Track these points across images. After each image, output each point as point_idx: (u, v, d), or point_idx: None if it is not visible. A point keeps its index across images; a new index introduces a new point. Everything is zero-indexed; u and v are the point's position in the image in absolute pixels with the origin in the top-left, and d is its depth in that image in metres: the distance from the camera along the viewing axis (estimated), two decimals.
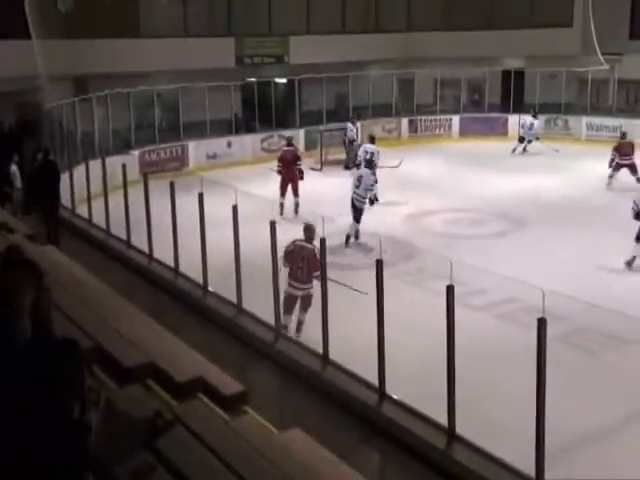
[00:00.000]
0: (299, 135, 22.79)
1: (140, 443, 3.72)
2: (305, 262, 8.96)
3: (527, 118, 22.58)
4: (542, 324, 5.68)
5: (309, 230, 9.06)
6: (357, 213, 13.47)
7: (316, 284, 8.63)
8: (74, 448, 2.65)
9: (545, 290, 5.47)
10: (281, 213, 14.65)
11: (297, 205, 15.59)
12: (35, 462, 2.54)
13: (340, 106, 25.15)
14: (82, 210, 14.66)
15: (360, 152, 17.06)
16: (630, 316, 6.98)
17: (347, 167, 20.67)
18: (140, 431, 3.77)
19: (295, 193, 15.74)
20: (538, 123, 22.65)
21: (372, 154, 16.35)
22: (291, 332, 9.11)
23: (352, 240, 13.39)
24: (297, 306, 9.13)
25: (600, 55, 24.03)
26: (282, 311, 9.03)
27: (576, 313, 8.83)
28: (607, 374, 8.30)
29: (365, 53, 24.61)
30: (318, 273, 8.38)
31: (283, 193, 15.73)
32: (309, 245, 8.94)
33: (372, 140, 17.38)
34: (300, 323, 9.17)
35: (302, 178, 15.98)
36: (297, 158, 16.22)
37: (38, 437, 2.53)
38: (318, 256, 8.36)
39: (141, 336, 6.20)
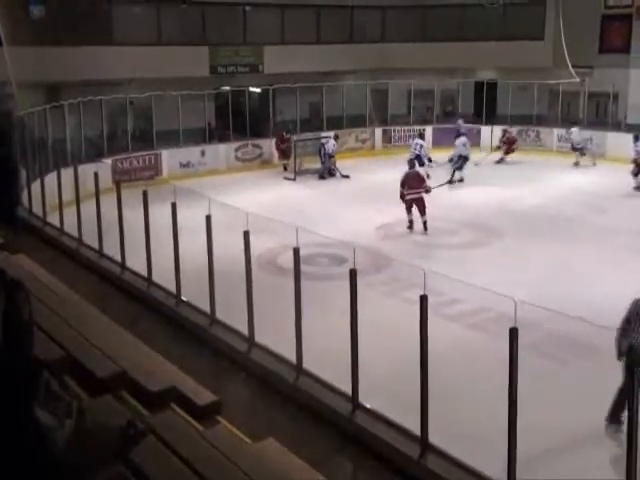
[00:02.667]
0: (272, 145, 22.82)
1: (112, 454, 3.68)
2: (414, 178, 15.27)
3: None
4: (514, 334, 5.74)
5: (410, 162, 16.26)
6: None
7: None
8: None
9: (516, 299, 5.54)
10: (285, 169, 22.26)
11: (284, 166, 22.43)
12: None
13: (314, 116, 25.24)
14: (53, 218, 14.50)
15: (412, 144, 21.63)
16: (600, 325, 7.05)
17: (322, 177, 21.04)
18: (112, 442, 3.73)
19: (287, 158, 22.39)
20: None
21: (421, 146, 21.01)
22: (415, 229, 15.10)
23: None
24: (416, 210, 15.04)
25: (571, 68, 24.42)
26: (406, 212, 15.13)
27: (547, 322, 8.92)
28: (577, 382, 8.39)
29: (339, 63, 24.75)
30: (424, 178, 15.78)
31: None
32: (411, 170, 15.53)
33: (421, 136, 22.03)
34: (425, 222, 14.93)
35: (283, 142, 22.49)
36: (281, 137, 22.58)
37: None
38: (421, 172, 16.17)
39: (113, 346, 6.16)
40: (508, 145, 23.49)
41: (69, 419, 3.03)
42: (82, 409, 3.69)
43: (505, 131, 23.87)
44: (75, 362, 5.44)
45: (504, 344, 5.85)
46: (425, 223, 14.91)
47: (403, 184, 15.09)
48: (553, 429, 7.12)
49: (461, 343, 9.31)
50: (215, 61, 23.35)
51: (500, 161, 23.10)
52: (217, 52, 23.35)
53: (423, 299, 6.40)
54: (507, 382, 5.84)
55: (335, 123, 24.55)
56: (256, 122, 23.27)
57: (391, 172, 20.07)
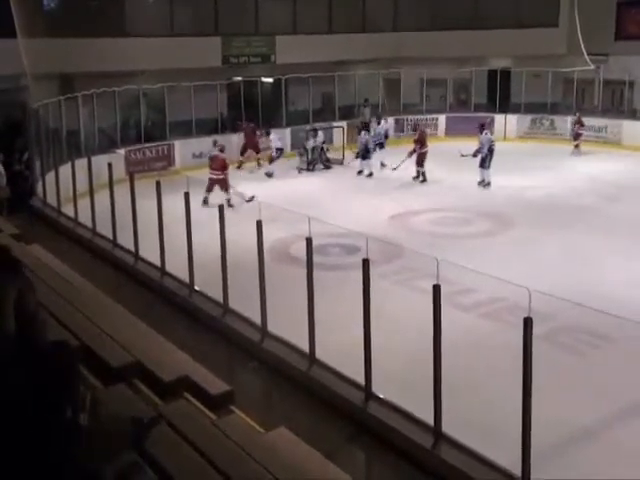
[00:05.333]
0: (285, 134, 22.79)
1: (126, 443, 3.70)
2: (218, 161, 16.44)
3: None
4: (528, 323, 5.72)
5: (221, 146, 16.95)
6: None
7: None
8: (65, 450, 2.63)
9: (531, 289, 5.50)
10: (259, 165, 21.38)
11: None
12: (24, 465, 2.51)
13: (326, 106, 25.17)
14: (68, 209, 14.58)
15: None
16: (614, 315, 7.01)
17: (307, 169, 20.82)
18: (126, 431, 3.75)
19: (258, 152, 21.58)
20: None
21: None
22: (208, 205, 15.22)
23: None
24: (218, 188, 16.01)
25: (586, 55, 24.18)
26: (205, 190, 15.70)
27: (561, 312, 8.89)
28: (592, 372, 8.36)
29: (351, 53, 24.63)
30: (225, 172, 16.35)
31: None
32: (220, 154, 16.61)
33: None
34: (228, 200, 15.27)
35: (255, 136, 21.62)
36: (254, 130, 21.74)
37: (27, 439, 2.51)
38: (223, 158, 16.63)
39: (127, 336, 6.17)
40: (419, 145, 19.45)
41: (83, 411, 3.04)
42: (96, 400, 3.71)
43: (417, 126, 21.25)
44: (89, 351, 5.46)
45: (518, 334, 5.82)
46: (229, 200, 15.50)
47: (210, 165, 16.72)
48: (568, 421, 7.09)
49: (475, 333, 9.27)
50: (227, 51, 23.31)
51: (420, 178, 19.03)
52: (229, 42, 23.30)
53: (436, 289, 6.39)
54: (521, 372, 5.82)
55: (347, 112, 24.48)
56: (268, 112, 23.22)
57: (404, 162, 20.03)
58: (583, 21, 24.17)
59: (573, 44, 24.65)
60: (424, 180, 18.99)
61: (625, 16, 24.86)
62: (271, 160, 20.25)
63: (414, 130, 22.29)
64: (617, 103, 25.39)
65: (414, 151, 19.37)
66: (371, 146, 20.27)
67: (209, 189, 15.94)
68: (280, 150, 20.41)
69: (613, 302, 9.21)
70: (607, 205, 16.04)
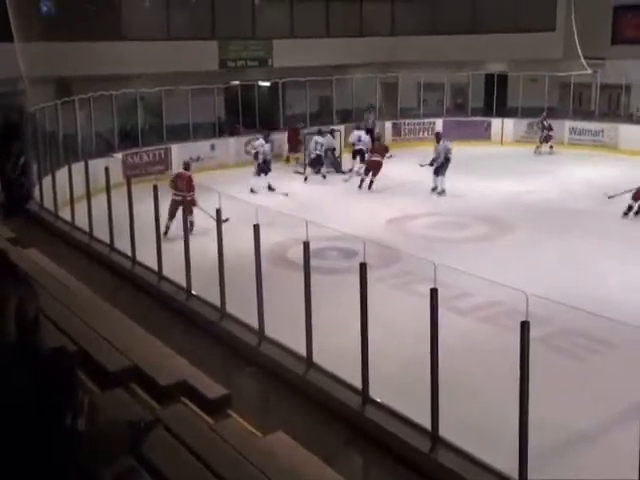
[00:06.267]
0: (283, 138, 22.80)
1: (124, 447, 3.69)
2: (183, 180, 13.88)
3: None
4: (525, 327, 5.72)
5: (186, 164, 14.69)
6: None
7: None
8: (65, 457, 2.62)
9: (528, 293, 5.50)
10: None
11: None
12: (24, 472, 2.50)
13: (324, 109, 25.19)
14: (65, 213, 14.56)
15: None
16: (612, 319, 7.02)
17: (324, 176, 20.68)
18: (123, 436, 3.74)
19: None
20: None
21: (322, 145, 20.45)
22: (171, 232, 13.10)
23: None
24: (181, 211, 12.59)
25: (583, 60, 24.23)
26: (168, 216, 13.16)
27: (558, 315, 8.88)
28: (590, 376, 8.36)
29: (349, 57, 24.68)
30: (192, 192, 13.50)
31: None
32: (185, 172, 14.24)
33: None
34: (191, 224, 12.62)
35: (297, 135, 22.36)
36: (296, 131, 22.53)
37: (27, 446, 2.50)
38: (191, 178, 13.98)
39: (124, 340, 6.17)
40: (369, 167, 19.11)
41: (81, 416, 3.04)
42: (93, 404, 3.70)
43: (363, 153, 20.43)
44: (86, 356, 5.45)
45: (516, 338, 5.82)
46: (192, 223, 12.80)
47: (175, 185, 13.94)
48: (565, 424, 7.09)
49: (472, 337, 9.27)
50: (224, 55, 23.33)
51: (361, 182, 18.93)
52: (226, 46, 23.34)
53: (433, 292, 6.38)
54: (518, 376, 5.82)
55: (345, 116, 24.50)
56: (266, 116, 23.25)
57: (400, 166, 20.09)
58: (580, 25, 24.21)
59: (570, 48, 24.69)
60: (360, 186, 18.86)
61: (621, 20, 24.92)
62: (261, 168, 18.42)
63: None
64: (614, 107, 25.44)
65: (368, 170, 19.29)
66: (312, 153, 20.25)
67: (172, 214, 13.39)
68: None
69: (609, 305, 9.22)
70: (603, 209, 16.06)
